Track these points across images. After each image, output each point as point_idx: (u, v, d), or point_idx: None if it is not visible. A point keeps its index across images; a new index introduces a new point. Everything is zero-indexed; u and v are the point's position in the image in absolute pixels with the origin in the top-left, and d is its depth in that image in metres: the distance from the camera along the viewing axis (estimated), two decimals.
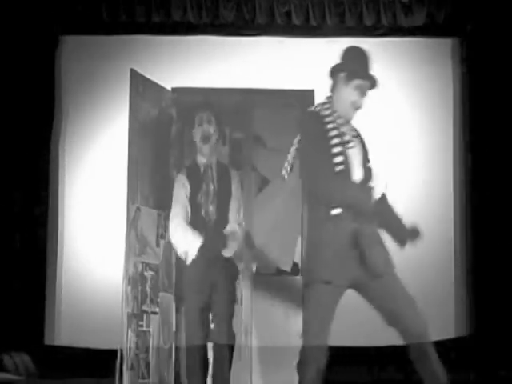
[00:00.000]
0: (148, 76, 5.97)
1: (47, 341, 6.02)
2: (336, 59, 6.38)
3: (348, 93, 3.86)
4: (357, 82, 3.87)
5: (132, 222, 4.43)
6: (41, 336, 6.01)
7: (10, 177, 6.05)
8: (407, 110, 6.32)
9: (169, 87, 5.00)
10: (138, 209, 4.49)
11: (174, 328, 4.69)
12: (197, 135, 4.50)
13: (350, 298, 6.03)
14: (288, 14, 6.22)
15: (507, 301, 5.90)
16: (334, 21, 6.22)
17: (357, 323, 5.97)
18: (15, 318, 5.89)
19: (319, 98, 5.08)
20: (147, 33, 6.25)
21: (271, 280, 4.93)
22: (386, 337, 6.02)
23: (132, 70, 4.67)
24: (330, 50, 6.33)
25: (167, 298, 4.68)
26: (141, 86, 4.67)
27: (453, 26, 6.24)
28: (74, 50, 6.34)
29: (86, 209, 6.08)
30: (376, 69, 6.36)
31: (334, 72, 3.90)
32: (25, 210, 6.07)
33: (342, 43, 6.33)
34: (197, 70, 6.11)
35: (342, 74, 3.85)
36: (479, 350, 5.86)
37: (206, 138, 4.44)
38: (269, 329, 4.85)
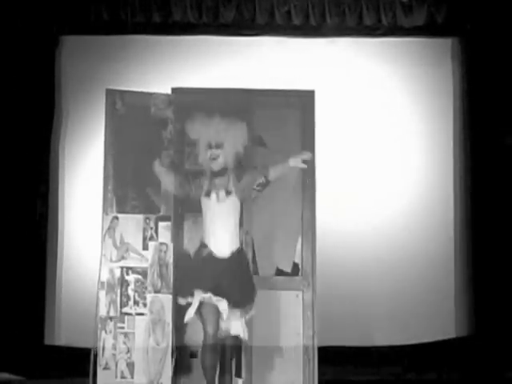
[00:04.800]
0: (148, 76, 5.99)
1: (47, 341, 6.03)
2: (336, 59, 6.40)
3: None
4: None
5: (108, 231, 4.73)
6: (41, 336, 6.01)
7: (10, 176, 6.06)
8: (407, 109, 6.32)
9: (169, 87, 5.01)
10: (116, 218, 4.76)
11: (171, 328, 4.71)
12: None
13: (351, 298, 6.06)
14: (288, 14, 6.23)
15: (507, 301, 5.90)
16: (334, 21, 6.22)
17: (357, 323, 5.99)
18: (15, 317, 5.89)
19: (319, 97, 5.13)
20: (147, 33, 6.25)
21: (271, 280, 4.92)
22: (386, 337, 6.09)
23: (107, 90, 4.84)
24: (330, 50, 6.39)
25: (160, 299, 4.72)
26: (119, 102, 4.78)
27: (453, 25, 6.25)
28: (74, 49, 6.34)
29: (85, 208, 6.07)
30: (376, 69, 6.41)
31: None
32: (25, 210, 6.07)
33: (342, 43, 6.41)
34: (197, 70, 6.11)
35: None
36: (479, 350, 5.87)
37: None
38: (269, 329, 4.85)
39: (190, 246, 4.76)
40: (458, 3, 6.19)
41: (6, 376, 5.56)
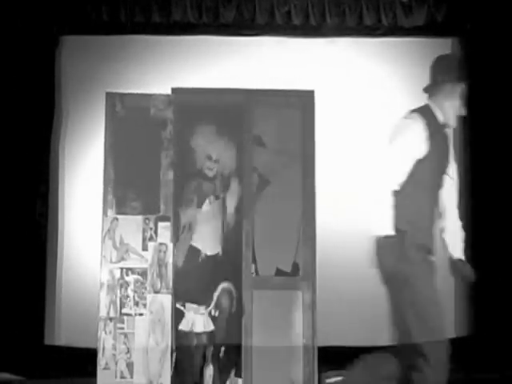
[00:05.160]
0: (148, 76, 5.99)
1: (47, 341, 6.03)
2: (336, 59, 6.38)
3: None
4: None
5: (107, 233, 4.79)
6: (41, 336, 6.01)
7: (9, 176, 6.06)
8: (407, 109, 6.31)
9: (169, 87, 5.02)
10: (116, 219, 4.81)
11: (171, 328, 4.73)
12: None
13: (351, 298, 6.06)
14: (288, 14, 6.23)
15: (507, 301, 5.90)
16: (334, 21, 6.23)
17: (357, 323, 5.99)
18: (15, 317, 5.89)
19: (319, 97, 5.12)
20: (147, 33, 6.26)
21: (271, 280, 4.92)
22: (386, 337, 6.08)
23: (107, 93, 4.87)
24: (330, 50, 6.39)
25: (160, 299, 4.75)
26: (119, 105, 4.83)
27: (453, 25, 6.25)
28: (74, 49, 6.35)
29: (85, 208, 6.08)
30: (376, 69, 6.41)
31: None
32: (25, 210, 6.07)
33: (342, 43, 6.41)
34: (197, 70, 6.12)
35: None
36: (479, 350, 5.86)
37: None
38: (269, 329, 4.85)
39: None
40: (457, 3, 6.20)
41: (6, 376, 5.56)
